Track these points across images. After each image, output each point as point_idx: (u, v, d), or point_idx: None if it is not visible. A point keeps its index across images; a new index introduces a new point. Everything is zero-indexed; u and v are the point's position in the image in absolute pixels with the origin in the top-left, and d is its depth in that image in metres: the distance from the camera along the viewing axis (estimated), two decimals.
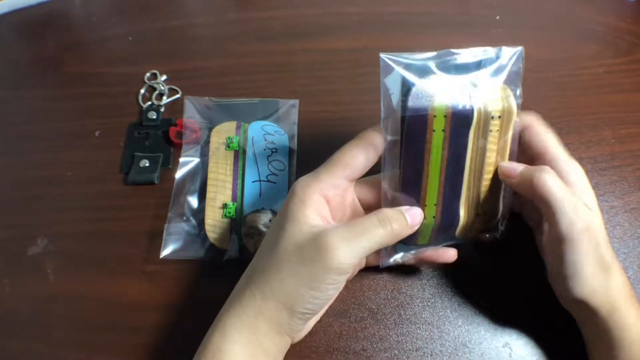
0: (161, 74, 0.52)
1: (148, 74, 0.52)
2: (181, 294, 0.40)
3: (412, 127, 0.32)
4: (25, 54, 0.55)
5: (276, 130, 0.46)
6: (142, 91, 0.51)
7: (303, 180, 0.34)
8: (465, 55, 0.33)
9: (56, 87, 0.52)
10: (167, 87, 0.51)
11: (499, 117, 0.33)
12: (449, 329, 0.39)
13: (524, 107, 0.34)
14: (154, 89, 0.51)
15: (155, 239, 0.42)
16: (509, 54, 0.34)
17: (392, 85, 0.32)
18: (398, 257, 0.38)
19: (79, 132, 0.48)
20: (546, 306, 0.38)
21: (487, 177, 0.35)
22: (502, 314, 0.39)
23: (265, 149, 0.44)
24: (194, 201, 0.43)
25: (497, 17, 0.56)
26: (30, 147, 0.48)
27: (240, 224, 0.41)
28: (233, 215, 0.42)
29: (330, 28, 0.55)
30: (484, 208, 0.36)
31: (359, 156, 0.33)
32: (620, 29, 0.56)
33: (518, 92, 0.34)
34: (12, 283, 0.41)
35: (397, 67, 0.32)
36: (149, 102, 0.50)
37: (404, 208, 0.34)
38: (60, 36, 0.56)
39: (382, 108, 0.33)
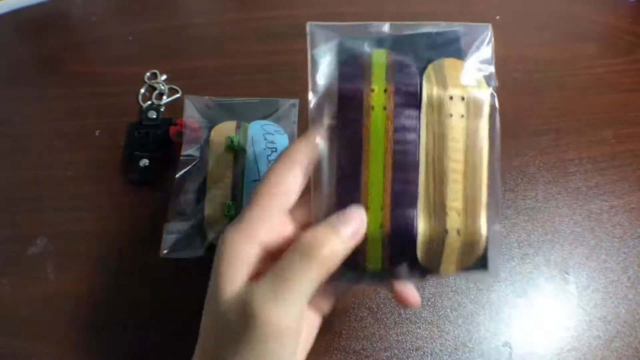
0: (161, 73, 0.52)
1: (148, 74, 0.52)
2: (181, 292, 0.40)
3: (347, 103, 0.27)
4: (25, 54, 0.55)
5: (276, 130, 0.46)
6: (142, 91, 0.51)
7: (228, 231, 0.27)
8: (409, 32, 0.28)
9: (56, 87, 0.52)
10: (167, 86, 0.51)
11: (462, 98, 0.27)
12: (449, 328, 0.39)
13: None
14: (154, 89, 0.51)
15: (155, 238, 0.42)
16: (473, 34, 0.29)
17: (324, 58, 0.28)
18: (343, 285, 0.29)
19: (79, 132, 0.48)
20: (546, 306, 0.38)
21: (454, 176, 0.27)
22: (502, 314, 0.39)
23: (265, 149, 0.44)
24: (193, 200, 0.43)
25: (497, 17, 0.56)
26: (30, 147, 0.48)
27: None
28: (233, 215, 0.42)
29: None
30: (458, 222, 0.27)
31: (286, 179, 0.27)
32: (620, 29, 0.56)
33: (489, 72, 0.28)
34: (12, 283, 0.41)
35: (328, 36, 0.28)
36: (149, 102, 0.50)
37: (334, 216, 0.26)
38: (60, 36, 0.56)
39: (309, 86, 0.28)
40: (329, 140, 0.27)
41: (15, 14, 0.58)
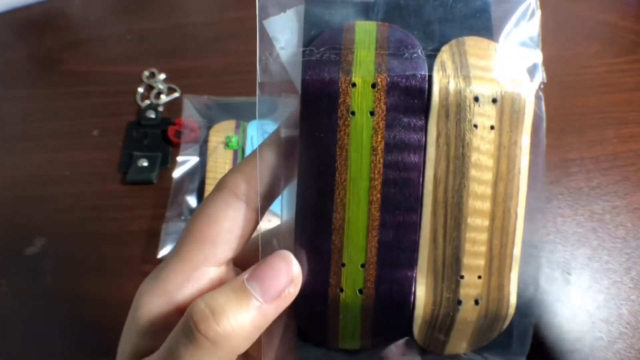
0: (160, 72, 0.52)
1: (147, 73, 0.52)
2: None
3: (313, 104, 0.18)
4: (23, 53, 0.55)
5: None
6: (141, 90, 0.50)
7: (143, 284, 0.21)
8: None
9: (55, 86, 0.52)
10: (165, 86, 0.51)
11: (493, 100, 0.18)
12: None
13: None
14: (153, 88, 0.51)
15: (154, 239, 0.41)
16: (509, 3, 0.19)
17: (281, 33, 0.19)
18: None
19: (78, 131, 0.48)
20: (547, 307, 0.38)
21: (477, 221, 0.18)
22: None
23: None
24: (192, 200, 0.43)
25: None
26: (28, 147, 0.48)
27: None
28: None
29: None
30: (478, 288, 0.19)
31: (222, 218, 0.19)
32: (622, 28, 0.55)
33: (534, 60, 0.19)
34: (10, 283, 0.41)
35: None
36: (148, 101, 0.50)
37: (244, 273, 0.18)
38: (58, 35, 0.55)
39: (257, 77, 0.20)
40: (286, 160, 0.19)
41: (13, 13, 0.57)
